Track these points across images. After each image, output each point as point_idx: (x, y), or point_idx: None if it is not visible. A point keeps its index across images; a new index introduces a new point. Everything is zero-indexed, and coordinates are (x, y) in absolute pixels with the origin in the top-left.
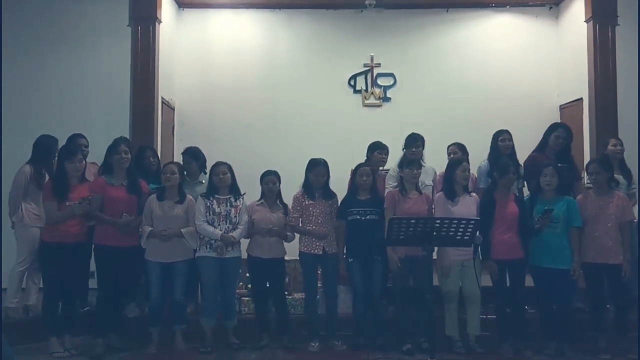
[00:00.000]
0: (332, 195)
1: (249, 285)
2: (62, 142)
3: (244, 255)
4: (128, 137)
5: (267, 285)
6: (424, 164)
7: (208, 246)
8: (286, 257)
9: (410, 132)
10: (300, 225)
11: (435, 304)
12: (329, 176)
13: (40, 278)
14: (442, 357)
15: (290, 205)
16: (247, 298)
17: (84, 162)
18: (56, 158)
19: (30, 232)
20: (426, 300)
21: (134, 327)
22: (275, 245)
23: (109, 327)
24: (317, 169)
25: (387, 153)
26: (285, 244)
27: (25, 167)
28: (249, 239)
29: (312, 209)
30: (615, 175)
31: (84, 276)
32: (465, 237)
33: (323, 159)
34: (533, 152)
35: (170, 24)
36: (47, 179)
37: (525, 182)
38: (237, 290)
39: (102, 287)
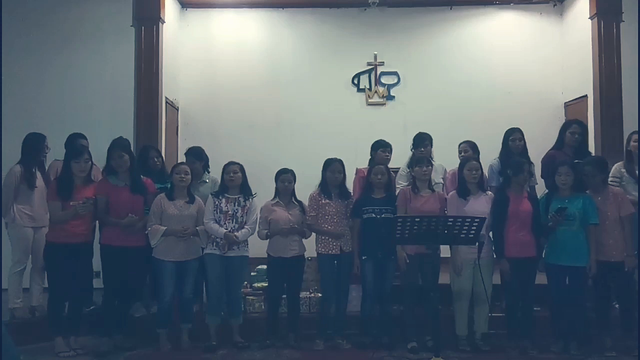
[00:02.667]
0: (349, 195)
1: (254, 284)
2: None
3: (255, 255)
4: (133, 137)
5: (285, 285)
6: (433, 161)
7: (214, 244)
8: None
9: (418, 132)
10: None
11: (440, 302)
12: (345, 175)
13: (44, 278)
14: (448, 355)
15: (304, 203)
16: (252, 297)
17: (89, 162)
18: (46, 154)
19: (23, 232)
20: (431, 298)
21: (140, 326)
22: (296, 243)
23: (116, 327)
24: (333, 166)
25: (390, 151)
26: (304, 241)
27: (15, 167)
28: (267, 240)
29: (328, 208)
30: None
31: (89, 276)
32: (470, 236)
33: (339, 158)
34: (551, 149)
35: (174, 24)
36: (39, 178)
37: (539, 180)
38: (242, 290)
39: (108, 287)
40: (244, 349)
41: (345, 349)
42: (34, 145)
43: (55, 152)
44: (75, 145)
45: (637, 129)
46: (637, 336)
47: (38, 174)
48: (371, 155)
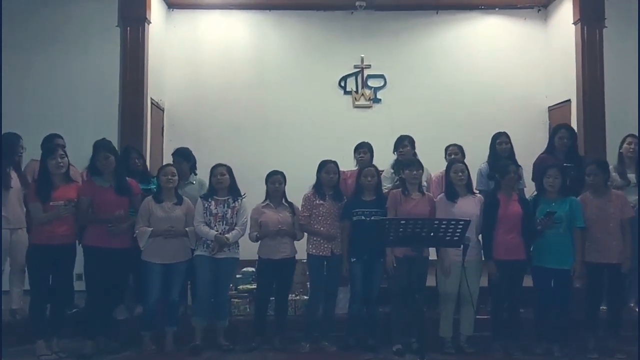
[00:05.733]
0: (343, 197)
1: (239, 287)
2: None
3: (247, 257)
4: (117, 137)
5: (274, 286)
6: None
7: (205, 246)
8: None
9: (399, 135)
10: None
11: (425, 304)
12: (339, 176)
13: (24, 281)
14: (432, 358)
15: (295, 204)
16: (237, 300)
17: (66, 159)
18: (21, 154)
19: None
20: (417, 300)
21: (123, 329)
22: (285, 245)
23: (98, 330)
24: (328, 167)
25: (366, 152)
26: (295, 243)
27: None
28: (258, 242)
29: (321, 209)
30: (628, 175)
31: (71, 278)
32: (455, 238)
33: (333, 160)
34: (542, 153)
35: (160, 25)
36: (15, 178)
37: (529, 184)
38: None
39: (91, 289)
40: (228, 351)
41: (330, 352)
42: (8, 146)
43: (36, 153)
44: (48, 144)
45: (623, 133)
46: (621, 338)
47: (14, 175)
48: (355, 158)
